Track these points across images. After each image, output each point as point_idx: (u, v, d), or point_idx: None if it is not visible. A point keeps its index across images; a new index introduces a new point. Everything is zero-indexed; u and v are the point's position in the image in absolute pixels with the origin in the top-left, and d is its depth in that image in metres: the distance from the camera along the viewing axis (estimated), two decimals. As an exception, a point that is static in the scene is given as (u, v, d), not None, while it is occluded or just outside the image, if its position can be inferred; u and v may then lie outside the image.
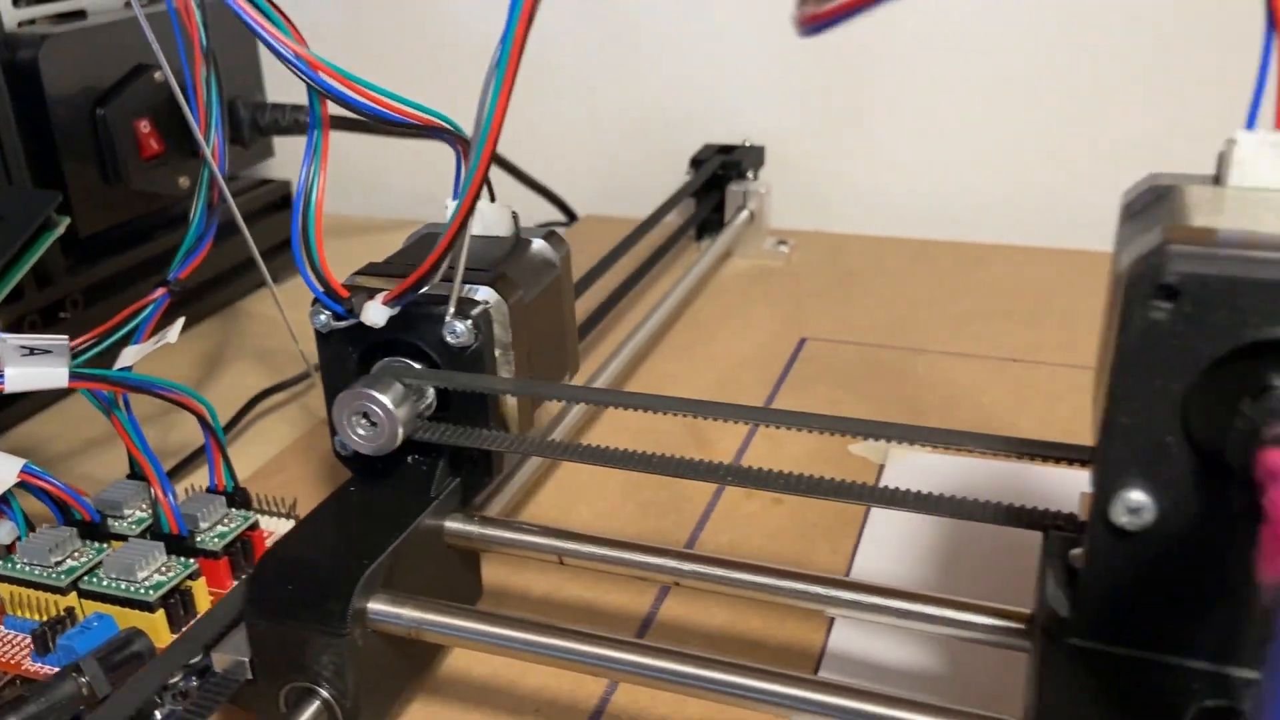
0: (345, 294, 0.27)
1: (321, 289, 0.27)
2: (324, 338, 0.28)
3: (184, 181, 0.50)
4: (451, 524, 0.29)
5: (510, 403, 0.29)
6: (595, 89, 0.67)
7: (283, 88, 0.67)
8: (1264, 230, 0.18)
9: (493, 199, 0.32)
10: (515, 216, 0.32)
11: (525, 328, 0.30)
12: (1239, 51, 0.29)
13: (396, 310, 0.27)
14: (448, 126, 0.29)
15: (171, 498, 0.31)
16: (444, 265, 0.25)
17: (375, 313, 0.26)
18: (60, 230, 0.37)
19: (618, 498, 0.38)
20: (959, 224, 0.62)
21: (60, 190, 0.44)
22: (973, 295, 0.54)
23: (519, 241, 0.32)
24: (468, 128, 0.26)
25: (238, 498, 0.33)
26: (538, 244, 0.32)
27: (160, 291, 0.34)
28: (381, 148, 0.61)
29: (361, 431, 0.27)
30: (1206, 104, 0.55)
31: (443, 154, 0.29)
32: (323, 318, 0.28)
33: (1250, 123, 0.20)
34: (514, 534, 0.29)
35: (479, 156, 0.23)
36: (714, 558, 0.28)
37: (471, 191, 0.24)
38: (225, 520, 0.32)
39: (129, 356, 0.32)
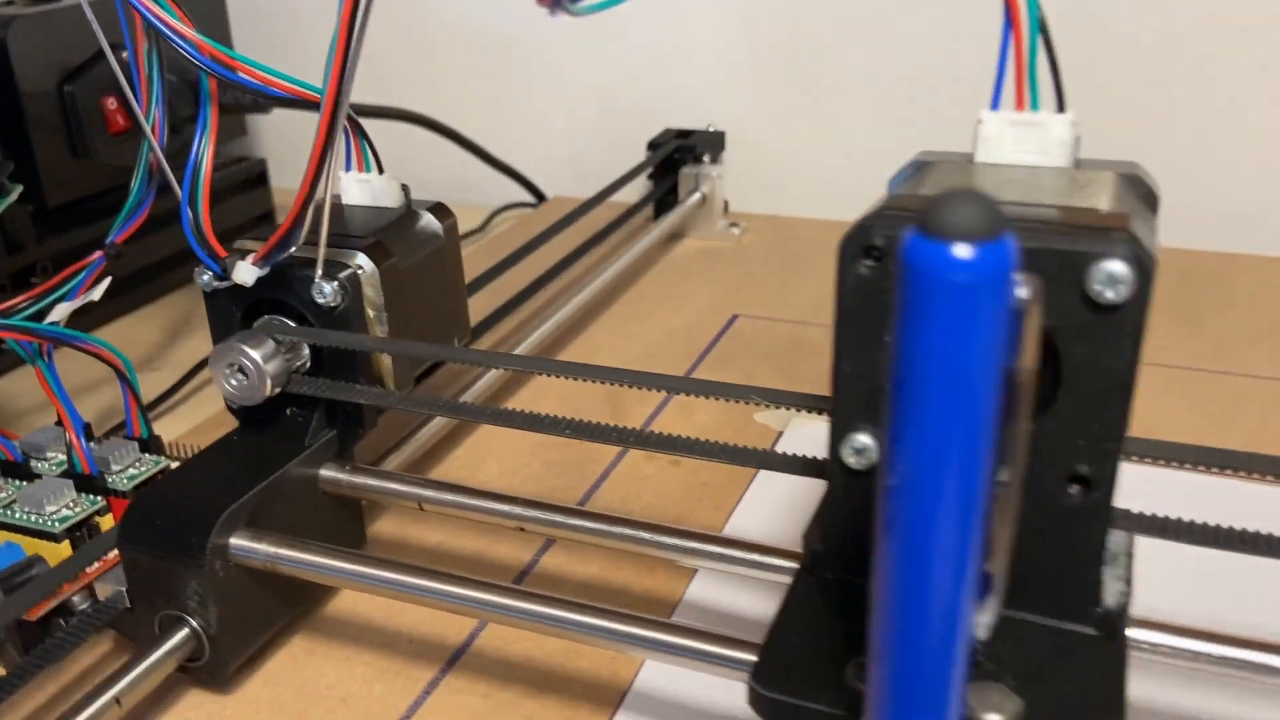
0: (224, 254, 0.29)
1: (203, 250, 0.30)
2: (210, 297, 0.31)
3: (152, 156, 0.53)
4: (326, 472, 0.31)
5: (385, 361, 0.31)
6: (566, 75, 0.69)
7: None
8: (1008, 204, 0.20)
9: (380, 171, 0.34)
10: (405, 189, 0.34)
11: (401, 292, 0.32)
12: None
13: (265, 271, 0.29)
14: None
15: (83, 441, 0.34)
16: (304, 227, 0.27)
17: (244, 272, 0.28)
18: (13, 196, 0.40)
19: (526, 456, 0.40)
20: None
21: (29, 163, 0.48)
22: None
23: (407, 213, 0.34)
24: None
25: (151, 445, 0.35)
26: (425, 215, 0.34)
27: (97, 255, 0.36)
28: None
29: (234, 383, 0.29)
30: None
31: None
32: (205, 278, 0.30)
33: (994, 104, 0.21)
34: (380, 481, 0.31)
35: (319, 123, 0.25)
36: (592, 512, 0.29)
37: (314, 157, 0.26)
38: (137, 464, 0.34)
39: (58, 312, 0.35)
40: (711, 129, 0.62)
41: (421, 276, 0.33)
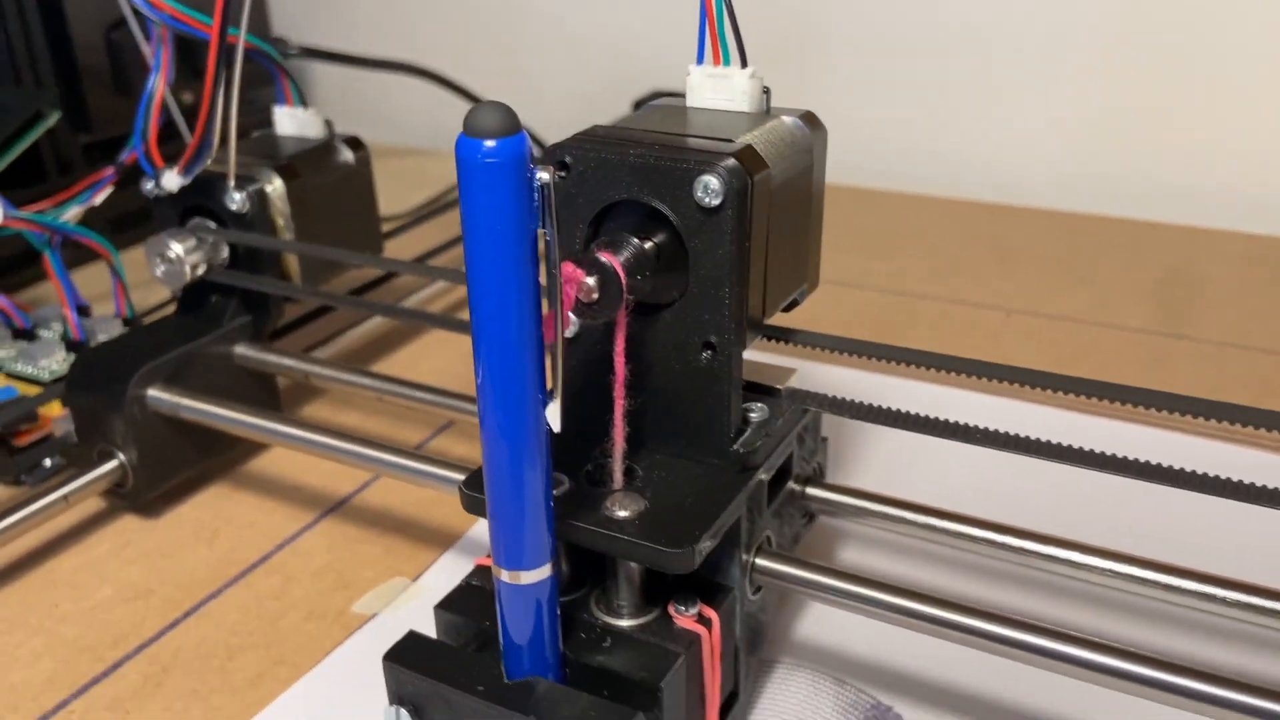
0: (160, 165, 0.36)
1: (147, 162, 0.36)
2: (154, 202, 0.37)
3: (187, 97, 0.60)
4: (240, 349, 0.37)
5: (291, 262, 0.38)
6: (572, 32, 0.73)
7: (289, 27, 0.76)
8: (656, 129, 0.25)
9: (305, 106, 0.40)
10: (329, 124, 0.40)
11: (307, 208, 0.38)
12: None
13: (187, 180, 0.35)
14: (259, 48, 0.37)
15: (75, 315, 0.41)
16: (213, 144, 0.34)
17: (169, 180, 0.35)
18: (52, 121, 0.47)
19: (460, 362, 0.46)
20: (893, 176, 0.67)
21: (80, 98, 0.56)
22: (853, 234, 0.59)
23: (326, 143, 0.40)
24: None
25: (133, 324, 0.42)
26: (341, 147, 0.40)
27: (109, 170, 0.43)
28: (393, 83, 0.70)
29: (162, 269, 0.36)
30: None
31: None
32: (149, 185, 0.37)
33: (699, 59, 0.26)
34: (277, 358, 0.37)
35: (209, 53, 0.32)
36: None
37: (207, 83, 0.32)
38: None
39: (67, 212, 0.42)
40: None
41: (330, 197, 0.39)
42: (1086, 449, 0.23)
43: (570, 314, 0.24)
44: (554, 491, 0.23)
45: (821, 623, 0.31)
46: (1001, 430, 0.24)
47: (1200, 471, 0.22)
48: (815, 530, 0.32)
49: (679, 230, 0.24)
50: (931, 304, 0.50)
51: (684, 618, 0.24)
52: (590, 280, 0.22)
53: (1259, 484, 0.22)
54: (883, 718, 0.28)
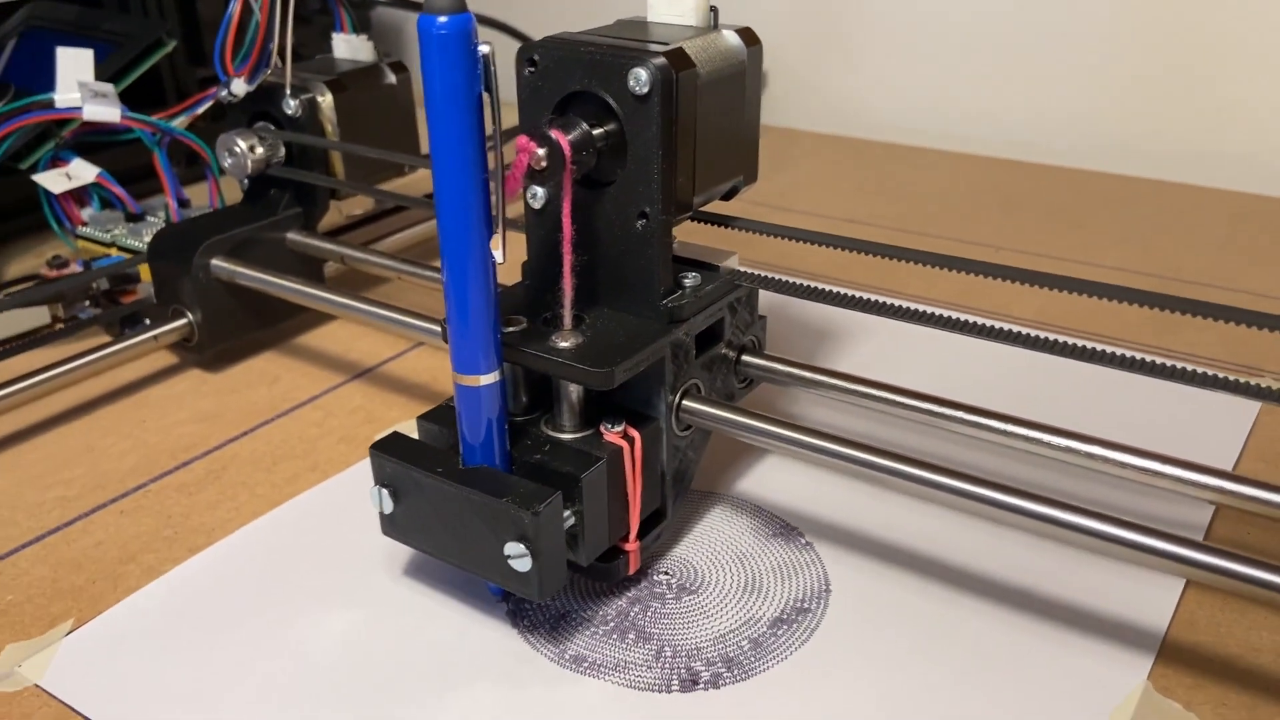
0: (232, 74, 0.41)
1: (222, 72, 0.42)
2: (228, 108, 0.43)
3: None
4: (291, 235, 0.43)
5: (336, 161, 0.43)
6: None
7: None
8: (612, 35, 0.29)
9: (358, 33, 0.45)
10: (378, 49, 0.45)
11: (354, 117, 0.43)
12: None
13: (252, 87, 0.41)
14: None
15: (176, 202, 0.47)
16: (271, 57, 0.39)
17: (237, 86, 0.40)
18: (169, 48, 0.54)
19: None
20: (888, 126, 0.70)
21: (198, 33, 0.62)
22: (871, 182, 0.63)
23: (372, 66, 0.45)
24: None
25: (222, 212, 0.49)
26: (386, 70, 0.45)
27: (213, 89, 0.48)
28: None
29: (229, 160, 0.41)
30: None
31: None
32: (223, 93, 0.42)
33: (662, -18, 0.30)
34: (321, 242, 0.43)
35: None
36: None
37: (264, 7, 0.37)
38: (207, 222, 0.48)
39: (178, 119, 0.48)
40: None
41: (373, 110, 0.44)
42: (978, 323, 0.27)
43: (535, 186, 0.29)
44: (512, 328, 0.28)
45: (748, 468, 0.35)
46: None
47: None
48: (759, 395, 0.36)
49: (619, 116, 0.28)
50: (925, 239, 0.53)
51: (610, 433, 0.28)
52: (540, 151, 0.27)
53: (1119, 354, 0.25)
54: (789, 535, 0.32)
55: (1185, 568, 0.24)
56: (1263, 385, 0.25)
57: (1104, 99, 0.64)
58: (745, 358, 0.33)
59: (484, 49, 0.23)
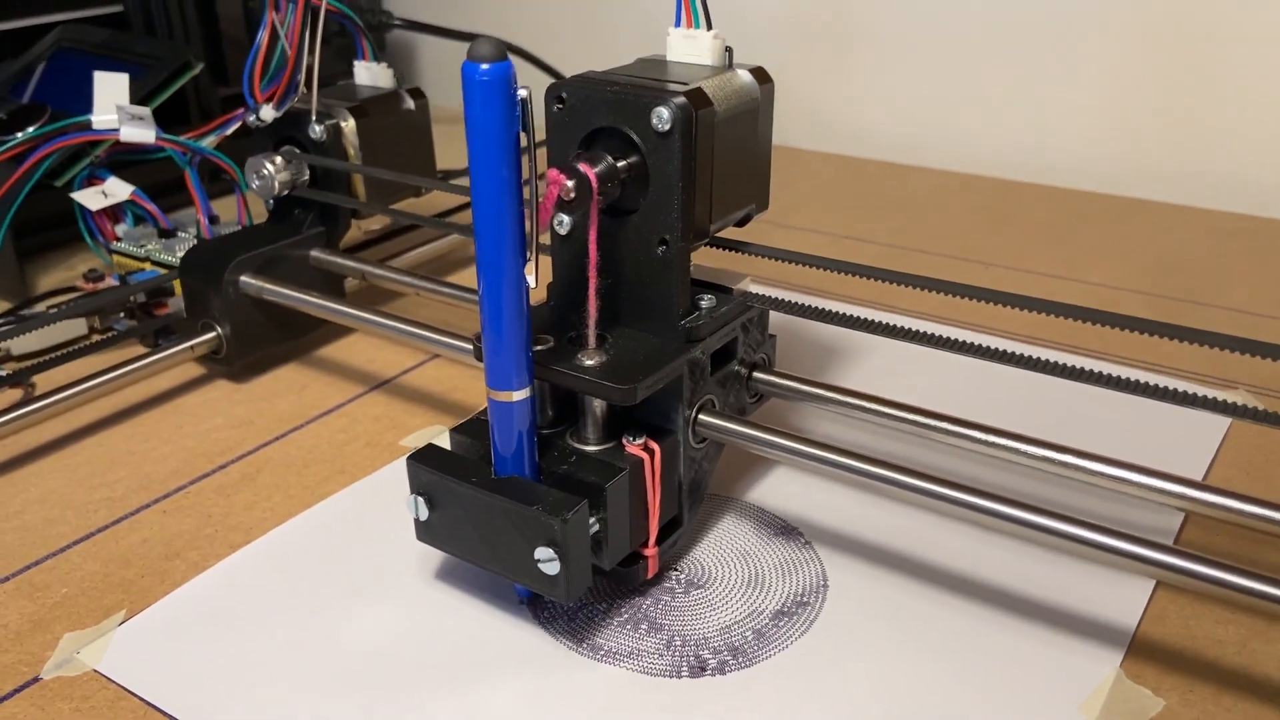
0: (260, 100, 0.43)
1: (250, 98, 0.44)
2: (255, 131, 0.45)
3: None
4: (314, 252, 0.45)
5: (358, 183, 0.45)
6: (648, 13, 0.80)
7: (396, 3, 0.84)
8: (634, 74, 0.31)
9: (378, 61, 0.47)
10: (397, 76, 0.48)
11: (375, 142, 0.45)
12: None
13: (280, 113, 0.43)
14: (341, 11, 0.45)
15: (207, 220, 0.49)
16: (299, 86, 0.41)
17: (265, 112, 0.42)
18: (196, 70, 0.56)
19: None
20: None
21: (221, 56, 0.64)
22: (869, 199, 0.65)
23: (392, 92, 0.47)
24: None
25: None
26: (405, 96, 0.47)
27: (240, 110, 0.50)
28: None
29: (257, 182, 0.43)
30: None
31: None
32: (251, 118, 0.44)
33: (676, 23, 0.33)
34: (343, 260, 0.45)
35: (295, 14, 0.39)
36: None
37: (294, 41, 0.39)
38: (233, 240, 0.50)
39: (207, 138, 0.50)
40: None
41: (392, 134, 0.46)
42: (967, 341, 0.30)
43: (563, 214, 0.31)
44: (540, 347, 0.31)
45: (754, 475, 0.37)
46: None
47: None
48: (768, 409, 0.38)
49: (642, 150, 0.30)
50: (920, 256, 0.56)
51: (633, 446, 0.30)
52: (570, 183, 0.29)
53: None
54: (790, 535, 0.34)
55: (1155, 569, 0.26)
56: (1233, 402, 0.27)
57: (1093, 121, 0.67)
58: (756, 374, 0.36)
59: (522, 93, 0.25)
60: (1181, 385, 0.29)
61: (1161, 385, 0.28)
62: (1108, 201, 0.64)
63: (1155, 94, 0.64)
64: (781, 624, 0.31)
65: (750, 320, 0.35)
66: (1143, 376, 0.29)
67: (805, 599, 0.32)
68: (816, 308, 0.33)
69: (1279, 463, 0.37)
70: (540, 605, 0.32)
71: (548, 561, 0.28)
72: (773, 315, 0.35)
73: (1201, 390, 0.28)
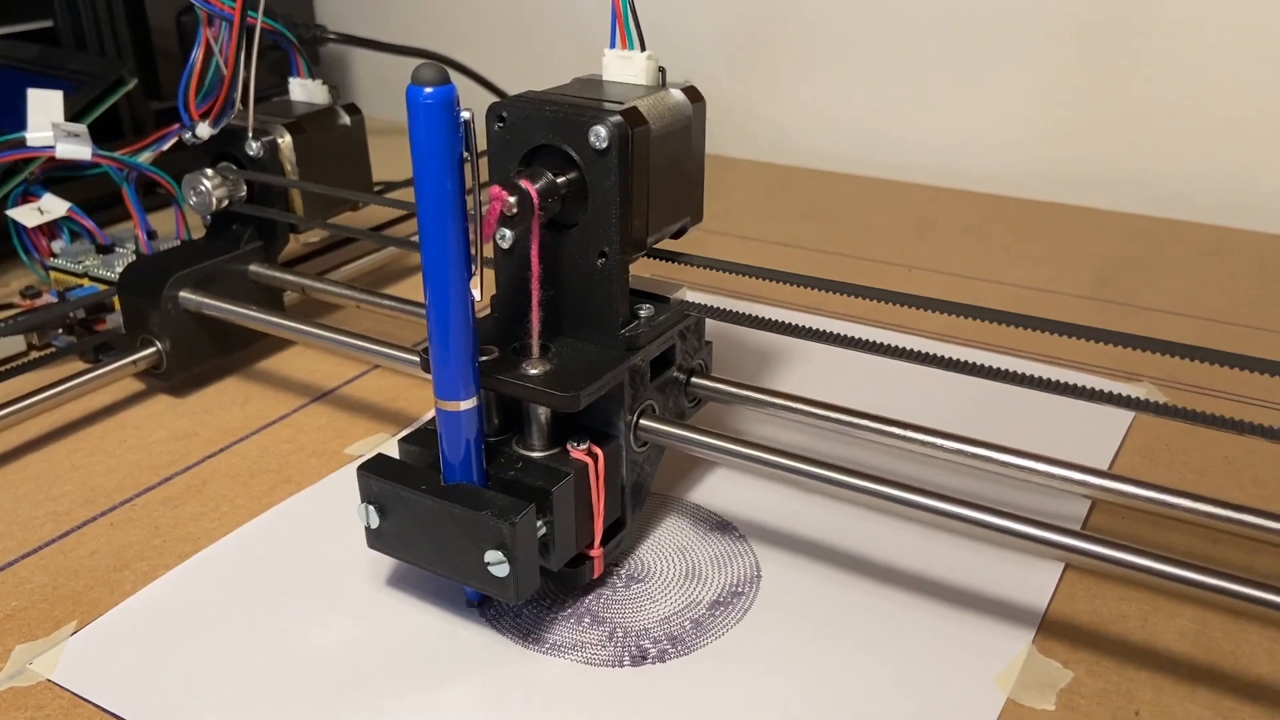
0: (196, 118, 0.44)
1: (186, 116, 0.44)
2: (192, 148, 0.45)
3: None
4: (253, 267, 0.45)
5: (296, 199, 0.46)
6: (584, 30, 0.81)
7: (332, 16, 0.84)
8: (572, 94, 0.32)
9: (313, 78, 0.48)
10: (333, 92, 0.48)
11: (312, 158, 0.46)
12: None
13: (216, 130, 0.43)
14: (275, 29, 0.45)
15: (145, 234, 0.49)
16: (235, 103, 0.42)
17: (202, 129, 0.43)
18: (129, 86, 0.55)
19: None
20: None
21: (154, 71, 0.64)
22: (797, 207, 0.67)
23: (328, 108, 0.48)
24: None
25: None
26: (341, 112, 0.48)
27: (176, 125, 0.49)
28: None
29: (194, 199, 0.44)
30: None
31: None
32: (187, 135, 0.44)
33: (611, 44, 0.34)
34: (281, 273, 0.45)
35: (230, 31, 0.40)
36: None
37: (230, 58, 0.40)
38: (174, 254, 0.49)
39: (143, 154, 0.50)
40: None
41: (329, 150, 0.47)
42: (889, 344, 0.32)
43: (505, 229, 0.32)
44: (486, 357, 0.32)
45: (691, 475, 0.39)
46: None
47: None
48: (706, 412, 0.40)
49: (580, 167, 0.31)
50: (848, 260, 0.58)
51: (577, 451, 0.32)
52: (512, 199, 0.30)
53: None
54: (725, 530, 0.36)
55: (1064, 553, 0.29)
56: (1135, 396, 0.30)
57: (1012, 129, 0.70)
58: (694, 380, 0.37)
59: (465, 115, 0.27)
60: (1090, 380, 0.31)
61: (1069, 382, 0.30)
62: (1026, 206, 0.67)
63: (1071, 101, 0.67)
64: (718, 613, 0.33)
65: (687, 328, 0.36)
66: (1054, 373, 0.31)
67: (740, 589, 0.34)
68: (750, 315, 0.35)
69: (1180, 450, 0.40)
70: (488, 605, 0.33)
71: (497, 564, 0.29)
72: (709, 322, 0.37)
73: (1107, 385, 0.31)
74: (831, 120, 0.75)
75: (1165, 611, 0.31)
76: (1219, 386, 0.43)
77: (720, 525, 0.37)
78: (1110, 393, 0.30)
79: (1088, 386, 0.30)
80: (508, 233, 0.33)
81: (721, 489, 0.39)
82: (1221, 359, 0.28)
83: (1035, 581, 0.33)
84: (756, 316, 0.35)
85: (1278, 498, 0.37)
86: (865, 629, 0.31)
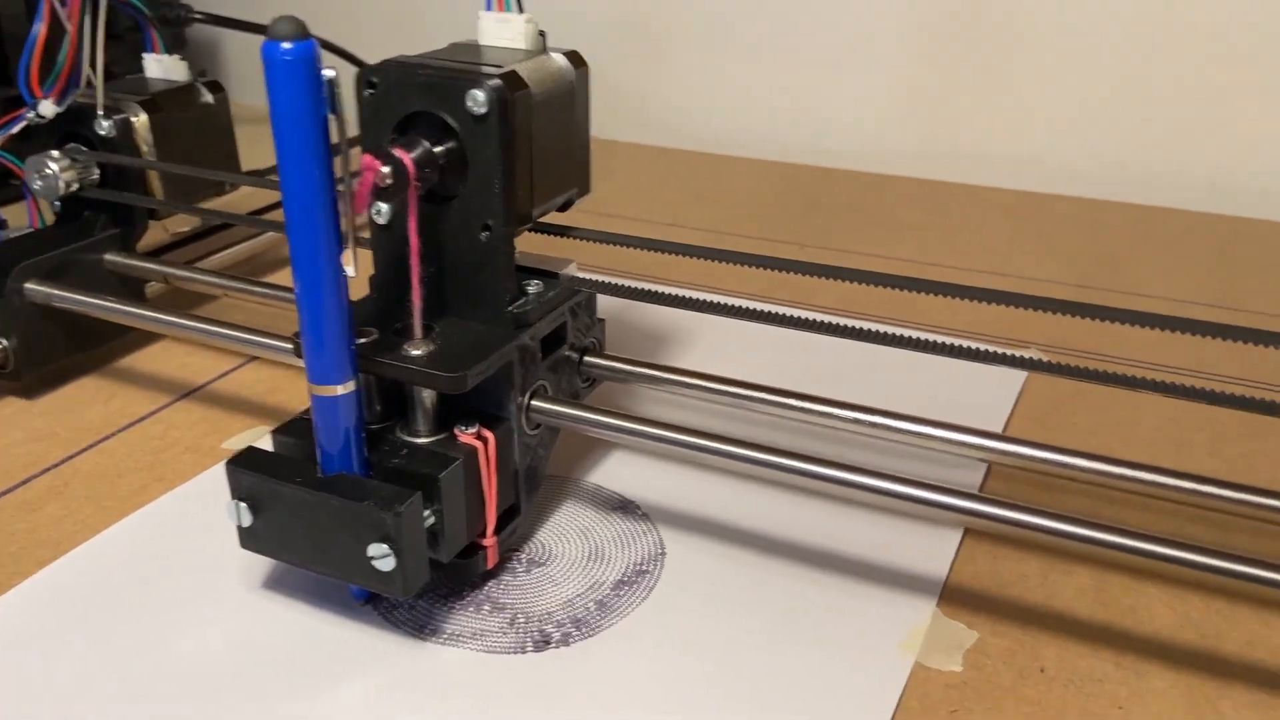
0: (39, 95, 0.40)
1: (28, 94, 0.40)
2: (37, 129, 0.41)
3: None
4: (108, 256, 0.42)
5: (153, 181, 0.42)
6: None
7: None
8: (447, 58, 0.31)
9: (170, 53, 0.44)
10: (190, 68, 0.45)
11: (169, 137, 0.42)
12: None
13: (62, 108, 0.39)
14: (127, 2, 0.42)
15: None
16: (81, 79, 0.38)
17: (45, 108, 0.39)
18: None
19: None
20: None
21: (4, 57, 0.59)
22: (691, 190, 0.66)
23: (187, 85, 0.44)
24: None
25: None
26: (202, 90, 0.45)
27: (22, 110, 0.45)
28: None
29: (39, 183, 0.40)
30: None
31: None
32: (31, 114, 0.41)
33: (489, 7, 0.32)
34: (137, 261, 0.42)
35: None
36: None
37: (72, 33, 0.36)
38: None
39: None
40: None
41: (189, 130, 0.43)
42: (783, 314, 0.31)
43: (380, 203, 0.30)
44: (365, 339, 0.30)
45: (592, 456, 0.37)
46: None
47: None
48: (601, 392, 0.38)
49: (459, 134, 0.30)
50: (739, 240, 0.57)
51: (465, 435, 0.30)
52: (385, 169, 0.28)
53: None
54: (627, 509, 0.35)
55: (963, 517, 0.28)
56: (1025, 356, 0.30)
57: (891, 107, 0.70)
58: (587, 358, 0.36)
59: (328, 73, 0.24)
60: (980, 346, 0.31)
61: (962, 345, 0.30)
62: (911, 184, 0.68)
63: (947, 79, 0.68)
64: (622, 593, 0.31)
65: (579, 304, 0.35)
66: (945, 340, 0.31)
67: (644, 567, 0.32)
68: (644, 289, 0.34)
69: (1069, 413, 0.40)
70: (380, 600, 0.31)
71: (382, 558, 0.27)
72: (602, 300, 0.36)
73: (997, 349, 0.30)
74: (716, 103, 0.75)
75: (1062, 569, 0.31)
76: (1102, 350, 0.44)
77: (622, 505, 0.35)
78: (999, 353, 0.30)
79: (977, 348, 0.30)
80: (384, 207, 0.31)
81: (621, 469, 0.37)
82: (1105, 314, 0.28)
83: (936, 548, 0.33)
84: (650, 290, 0.33)
85: (1167, 455, 0.37)
86: (768, 602, 0.31)
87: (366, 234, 0.32)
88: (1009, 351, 0.30)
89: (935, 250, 0.56)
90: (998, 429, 0.40)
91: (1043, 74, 0.66)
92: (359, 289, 0.32)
